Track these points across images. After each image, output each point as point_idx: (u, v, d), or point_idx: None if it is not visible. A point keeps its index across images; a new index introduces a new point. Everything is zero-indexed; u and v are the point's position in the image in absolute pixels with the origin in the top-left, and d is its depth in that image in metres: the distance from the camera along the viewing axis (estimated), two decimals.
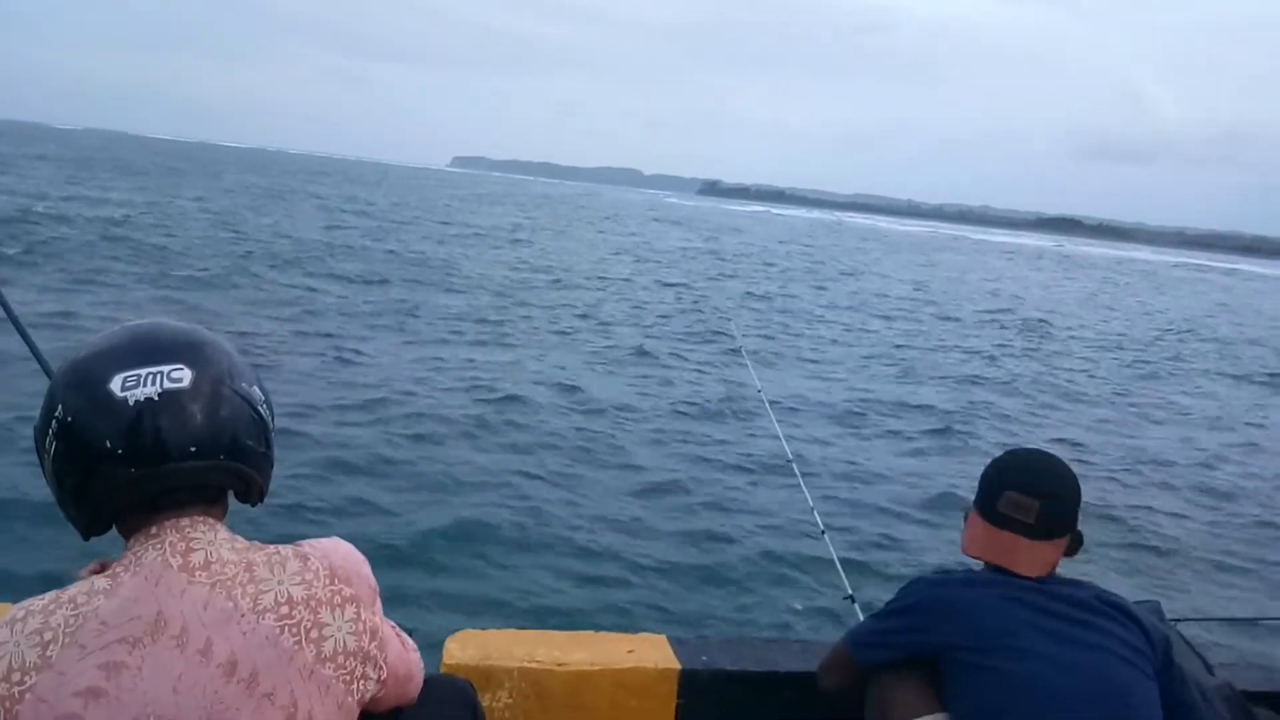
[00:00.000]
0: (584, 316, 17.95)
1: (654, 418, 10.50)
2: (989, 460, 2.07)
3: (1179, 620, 3.23)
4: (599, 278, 25.57)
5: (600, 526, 6.82)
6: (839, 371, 14.98)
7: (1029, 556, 1.91)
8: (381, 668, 1.31)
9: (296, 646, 1.20)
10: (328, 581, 1.27)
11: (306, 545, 1.32)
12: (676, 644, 2.56)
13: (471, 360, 12.48)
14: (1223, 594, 7.08)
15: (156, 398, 1.19)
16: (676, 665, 2.44)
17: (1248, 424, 14.25)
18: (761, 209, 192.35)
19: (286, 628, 1.20)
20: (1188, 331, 28.73)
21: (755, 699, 2.47)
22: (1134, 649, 1.84)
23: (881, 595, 2.14)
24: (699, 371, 13.47)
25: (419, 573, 5.70)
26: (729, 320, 14.70)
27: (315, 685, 1.21)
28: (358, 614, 1.28)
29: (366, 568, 1.36)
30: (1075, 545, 1.96)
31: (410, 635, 1.53)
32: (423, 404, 9.74)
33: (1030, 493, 1.93)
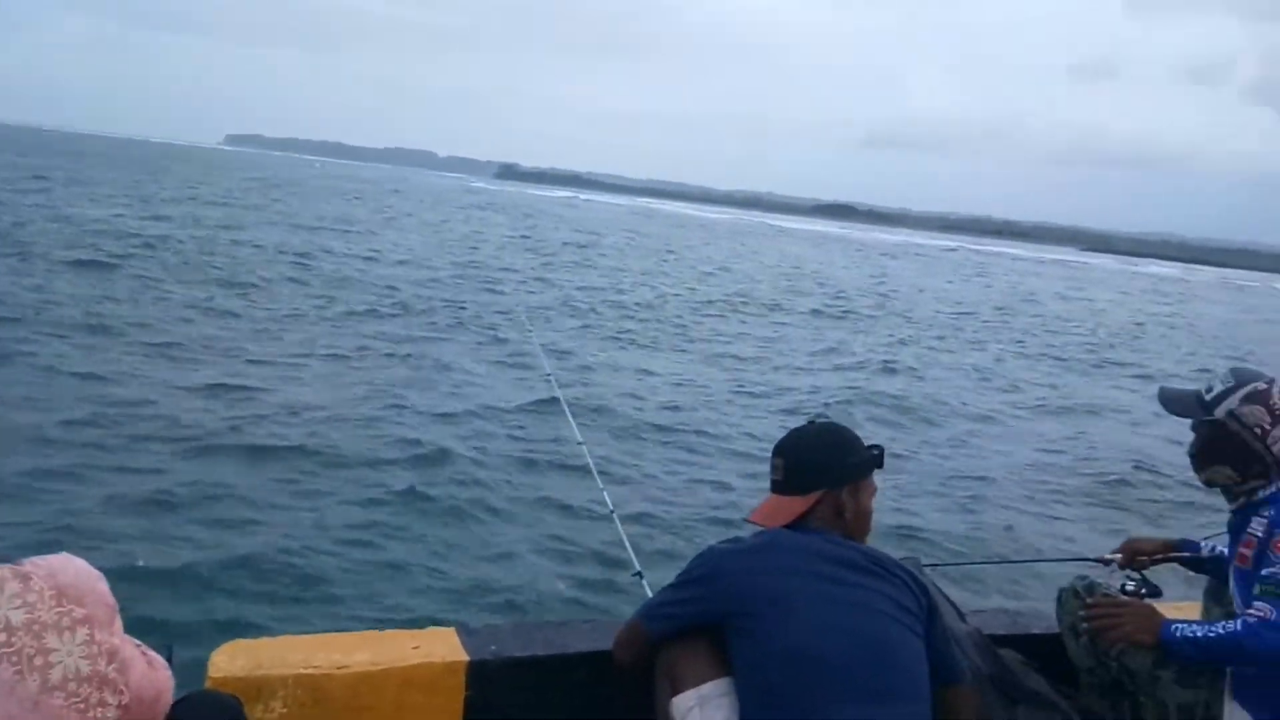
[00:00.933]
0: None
1: (436, 405, 10.28)
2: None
3: (936, 565, 3.49)
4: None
5: (376, 522, 6.61)
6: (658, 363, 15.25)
7: (770, 507, 2.12)
8: (122, 691, 1.21)
9: (18, 676, 1.10)
10: (54, 603, 1.16)
11: (29, 564, 1.20)
12: (465, 635, 2.51)
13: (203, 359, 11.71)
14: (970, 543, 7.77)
15: None
16: (464, 657, 2.39)
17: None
18: (569, 194, 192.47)
19: (4, 657, 1.10)
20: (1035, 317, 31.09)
21: (546, 683, 2.46)
22: (901, 606, 1.97)
23: (670, 570, 2.19)
24: (488, 361, 13.36)
25: (182, 587, 5.32)
26: (522, 314, 14.63)
27: (41, 717, 1.11)
28: (91, 636, 1.18)
29: (103, 584, 1.26)
30: (835, 506, 2.10)
31: (169, 653, 1.44)
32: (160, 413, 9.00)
33: (777, 452, 2.16)
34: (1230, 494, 2.48)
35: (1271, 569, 2.21)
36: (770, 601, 1.91)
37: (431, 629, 2.57)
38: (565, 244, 42.02)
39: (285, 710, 2.23)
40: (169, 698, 1.37)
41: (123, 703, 1.21)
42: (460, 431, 9.23)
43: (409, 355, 12.66)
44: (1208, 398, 2.44)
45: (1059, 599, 2.71)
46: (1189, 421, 2.52)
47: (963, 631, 2.67)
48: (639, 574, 2.83)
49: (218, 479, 7.08)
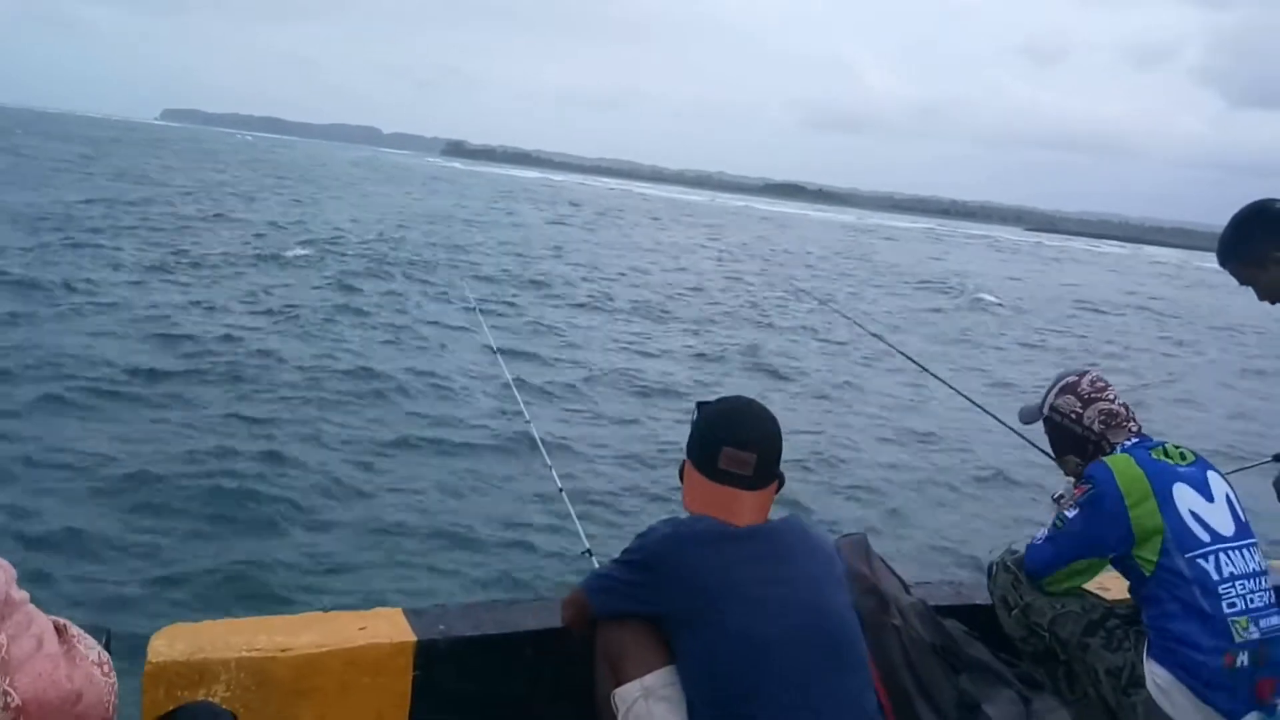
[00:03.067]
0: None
1: (385, 384, 10.14)
2: (698, 406, 2.11)
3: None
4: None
5: (326, 501, 6.53)
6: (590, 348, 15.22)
7: (748, 506, 1.99)
8: (8, 693, 1.11)
9: None
10: None
11: None
12: (412, 616, 2.48)
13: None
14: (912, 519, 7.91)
15: None
16: (412, 638, 2.37)
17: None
18: (539, 175, 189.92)
19: None
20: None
21: (495, 661, 2.45)
22: (836, 581, 1.99)
23: (618, 546, 2.18)
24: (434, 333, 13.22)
25: (114, 568, 5.19)
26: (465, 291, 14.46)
27: None
28: None
29: None
30: (780, 486, 2.07)
31: (106, 639, 1.36)
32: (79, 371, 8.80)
33: (747, 446, 1.99)
34: None
35: (1063, 509, 2.57)
36: (717, 592, 1.87)
37: (378, 609, 2.53)
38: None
39: (228, 694, 2.19)
40: (102, 696, 1.26)
41: (11, 705, 1.12)
42: (405, 409, 9.12)
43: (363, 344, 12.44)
44: (1040, 402, 2.78)
45: (989, 572, 2.81)
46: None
47: (907, 603, 2.72)
48: (588, 552, 2.82)
49: (154, 458, 6.91)
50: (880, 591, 2.72)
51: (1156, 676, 2.39)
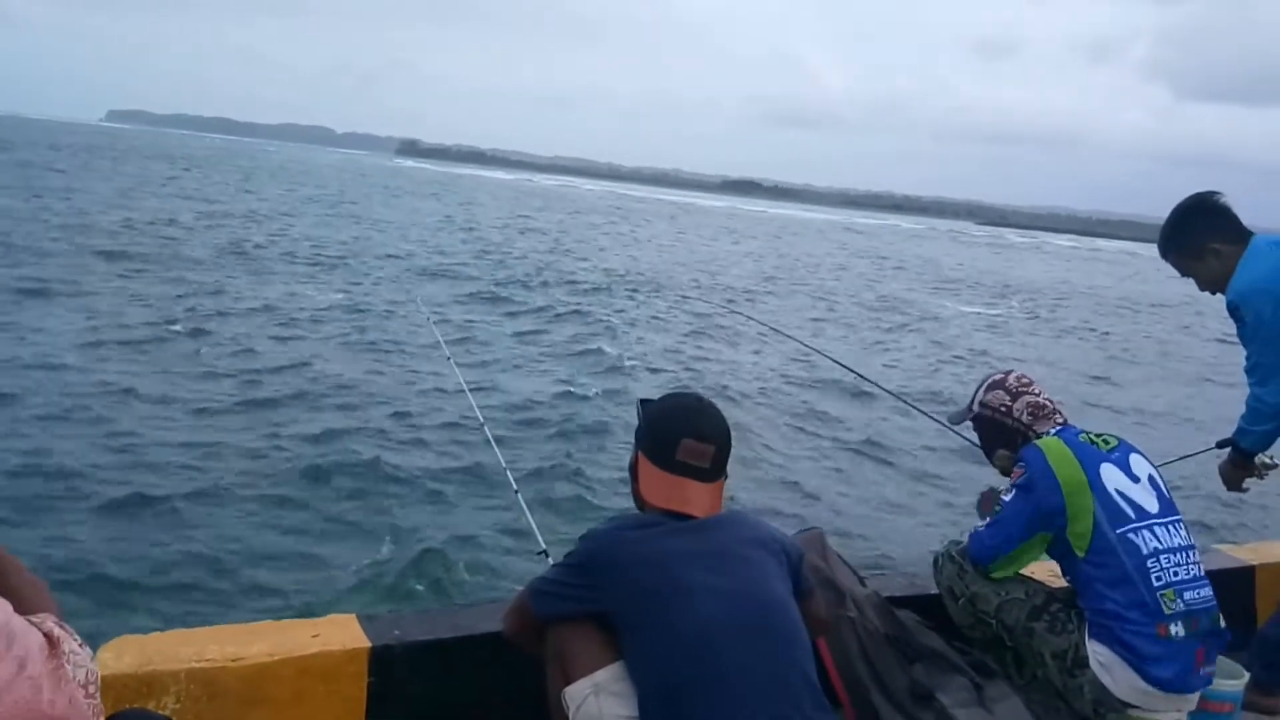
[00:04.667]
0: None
1: (331, 384, 10.04)
2: (641, 403, 2.13)
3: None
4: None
5: (277, 510, 6.43)
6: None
7: (705, 498, 2.02)
8: None
9: None
10: None
11: None
12: (366, 622, 2.46)
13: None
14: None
15: None
16: (366, 644, 2.35)
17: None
18: (513, 178, 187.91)
19: None
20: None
21: (450, 665, 2.44)
22: (779, 571, 2.00)
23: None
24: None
25: (59, 579, 5.05)
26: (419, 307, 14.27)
27: None
28: None
29: None
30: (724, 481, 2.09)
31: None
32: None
33: (706, 439, 2.02)
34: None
35: (1001, 495, 2.67)
36: (664, 588, 1.88)
37: (331, 616, 2.51)
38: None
39: (178, 706, 2.16)
40: (22, 692, 1.13)
41: None
42: (356, 416, 9.03)
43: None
44: (968, 402, 2.89)
45: (935, 564, 2.87)
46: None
47: (862, 595, 2.75)
48: (544, 552, 2.81)
49: (94, 464, 6.77)
50: (836, 584, 2.75)
51: (1098, 655, 2.46)
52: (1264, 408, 2.98)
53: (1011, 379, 2.82)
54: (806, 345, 5.16)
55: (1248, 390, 3.03)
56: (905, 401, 4.30)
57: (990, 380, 2.87)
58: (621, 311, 19.06)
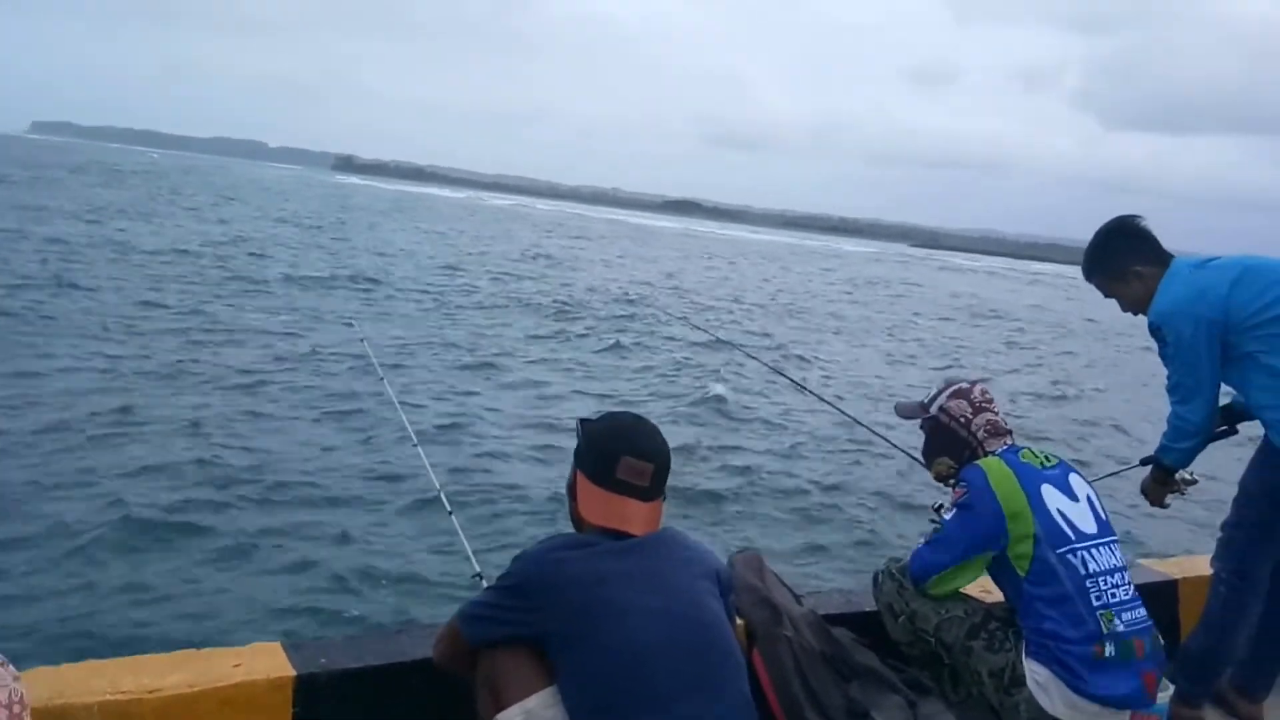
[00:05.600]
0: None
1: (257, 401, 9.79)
2: (581, 422, 2.11)
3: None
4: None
5: (193, 537, 6.20)
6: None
7: (644, 517, 2.01)
8: None
9: None
10: None
11: None
12: (292, 650, 2.38)
13: None
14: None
15: None
16: (291, 672, 2.27)
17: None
18: (464, 196, 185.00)
19: None
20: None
21: (379, 693, 2.37)
22: (712, 591, 2.00)
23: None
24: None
25: None
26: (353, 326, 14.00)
27: None
28: None
29: None
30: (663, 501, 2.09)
31: None
32: None
33: (645, 457, 2.02)
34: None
35: (942, 515, 2.68)
36: (591, 610, 1.86)
37: (255, 645, 2.42)
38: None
39: None
40: None
41: None
42: (286, 437, 8.82)
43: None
44: (926, 400, 2.89)
45: (875, 580, 2.88)
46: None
47: (798, 613, 2.75)
48: (478, 575, 2.76)
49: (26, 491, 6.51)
50: (773, 603, 2.75)
51: (1035, 674, 2.48)
52: (1186, 426, 3.06)
53: (977, 391, 2.82)
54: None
55: (1169, 409, 3.11)
56: (841, 410, 4.31)
57: (956, 387, 2.85)
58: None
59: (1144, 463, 3.36)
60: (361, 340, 5.47)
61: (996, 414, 2.78)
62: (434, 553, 6.17)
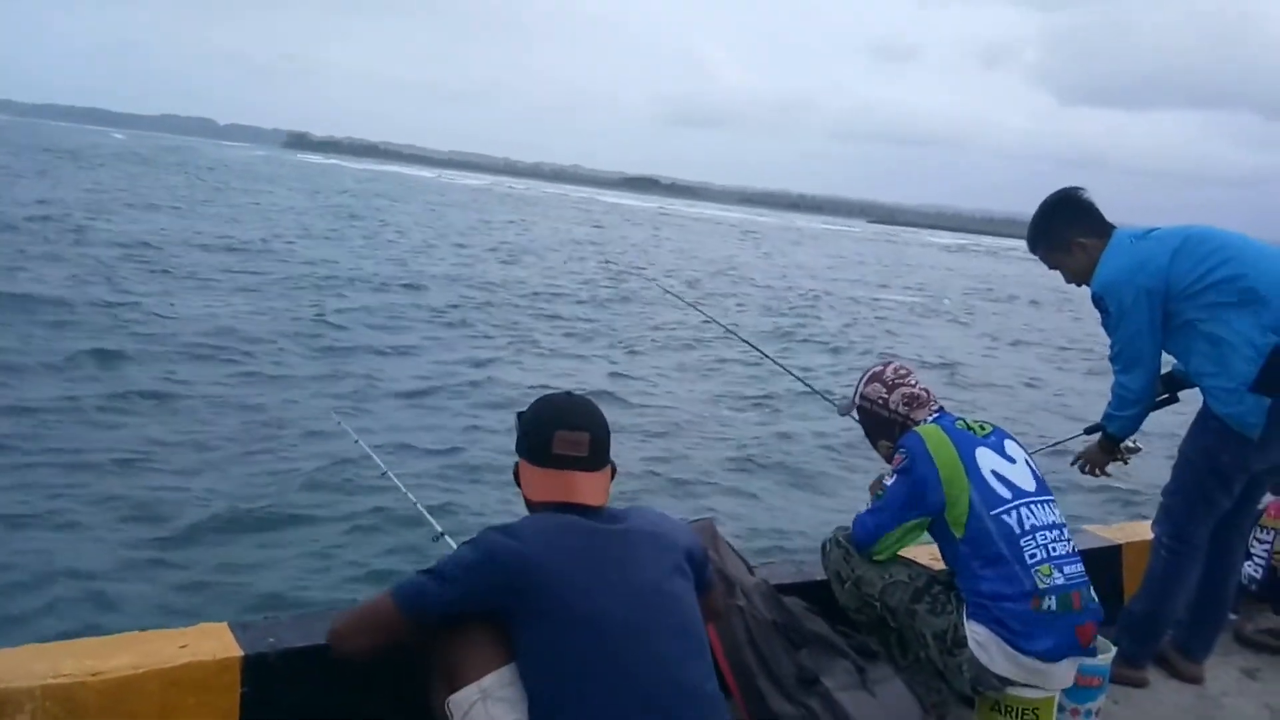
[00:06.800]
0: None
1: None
2: (517, 415, 2.12)
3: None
4: None
5: (136, 508, 6.11)
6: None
7: (588, 487, 2.00)
8: None
9: None
10: None
11: None
12: (239, 630, 2.35)
13: None
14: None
15: None
16: (238, 652, 2.25)
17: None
18: (433, 175, 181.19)
19: None
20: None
21: (331, 672, 2.34)
22: (677, 565, 2.00)
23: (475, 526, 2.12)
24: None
25: None
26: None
27: None
28: None
29: None
30: (613, 474, 2.09)
31: None
32: None
33: (577, 428, 2.02)
34: None
35: (884, 483, 2.74)
36: (559, 580, 1.85)
37: (202, 625, 2.39)
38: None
39: None
40: None
41: None
42: (235, 417, 8.68)
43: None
44: (852, 394, 3.01)
45: (823, 549, 2.94)
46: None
47: (750, 583, 2.78)
48: (441, 534, 2.76)
49: None
50: (726, 574, 2.78)
51: (976, 634, 2.54)
52: (1128, 394, 3.12)
53: (889, 371, 2.93)
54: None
55: (1112, 378, 3.18)
56: (801, 380, 4.38)
57: (870, 373, 2.97)
58: None
59: (1088, 431, 3.43)
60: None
61: (913, 386, 2.88)
62: (380, 522, 6.09)
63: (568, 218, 62.16)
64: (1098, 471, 3.38)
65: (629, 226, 61.73)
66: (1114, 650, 2.92)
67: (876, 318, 24.24)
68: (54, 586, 5.04)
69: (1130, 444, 3.31)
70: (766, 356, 4.58)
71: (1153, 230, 3.10)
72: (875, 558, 2.75)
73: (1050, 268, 3.31)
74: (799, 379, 4.50)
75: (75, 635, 2.80)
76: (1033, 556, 2.52)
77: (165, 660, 2.17)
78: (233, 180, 57.79)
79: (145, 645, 2.24)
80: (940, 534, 2.66)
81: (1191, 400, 3.21)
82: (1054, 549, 2.56)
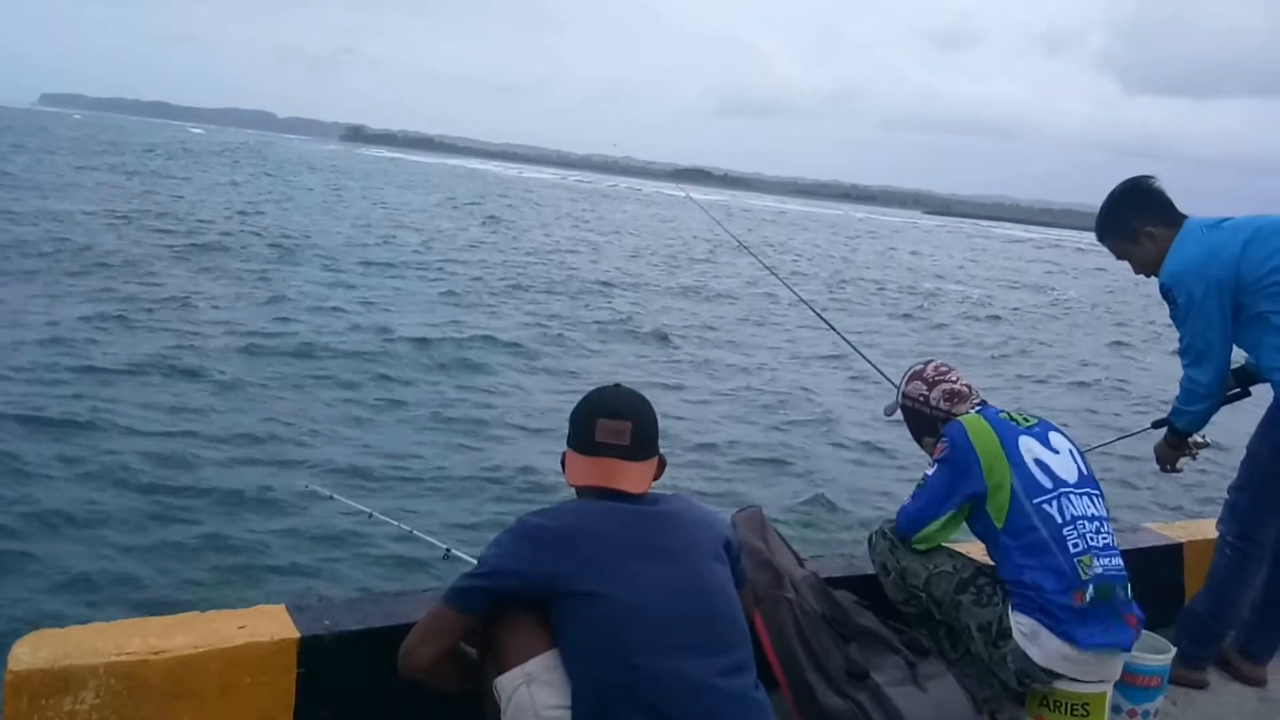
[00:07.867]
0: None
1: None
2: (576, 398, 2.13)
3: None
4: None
5: (192, 502, 6.26)
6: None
7: (633, 475, 2.02)
8: None
9: None
10: None
11: None
12: (296, 612, 2.41)
13: None
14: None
15: None
16: (295, 634, 2.30)
17: None
18: (514, 170, 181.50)
19: None
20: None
21: (382, 655, 2.39)
22: (719, 556, 2.01)
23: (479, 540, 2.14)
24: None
25: None
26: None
27: None
28: None
29: None
30: (661, 468, 2.10)
31: None
32: None
33: (619, 415, 2.04)
34: None
35: (926, 473, 2.73)
36: (600, 564, 1.88)
37: (260, 607, 2.45)
38: None
39: (98, 700, 2.09)
40: None
41: None
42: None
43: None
44: (896, 394, 2.99)
45: (869, 541, 2.92)
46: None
47: (799, 576, 2.76)
48: (448, 551, 2.81)
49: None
50: (774, 566, 2.76)
51: (1020, 625, 2.52)
52: (1197, 388, 3.04)
53: (930, 369, 2.92)
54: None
55: (1181, 372, 3.09)
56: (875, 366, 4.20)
57: (911, 371, 2.96)
58: None
59: (1156, 426, 3.35)
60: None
61: (954, 382, 2.86)
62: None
63: (738, 224, 59.19)
64: (1168, 467, 3.30)
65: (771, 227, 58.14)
66: (1173, 651, 2.86)
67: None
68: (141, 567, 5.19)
69: (1200, 439, 3.23)
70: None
71: (1225, 220, 3.01)
72: (918, 548, 2.74)
73: (1119, 258, 3.24)
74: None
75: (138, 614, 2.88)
76: (1075, 546, 2.49)
77: (225, 640, 2.23)
78: (345, 180, 57.72)
79: (205, 625, 2.30)
80: (982, 525, 2.63)
81: (1263, 395, 3.11)
82: (1096, 539, 2.52)
